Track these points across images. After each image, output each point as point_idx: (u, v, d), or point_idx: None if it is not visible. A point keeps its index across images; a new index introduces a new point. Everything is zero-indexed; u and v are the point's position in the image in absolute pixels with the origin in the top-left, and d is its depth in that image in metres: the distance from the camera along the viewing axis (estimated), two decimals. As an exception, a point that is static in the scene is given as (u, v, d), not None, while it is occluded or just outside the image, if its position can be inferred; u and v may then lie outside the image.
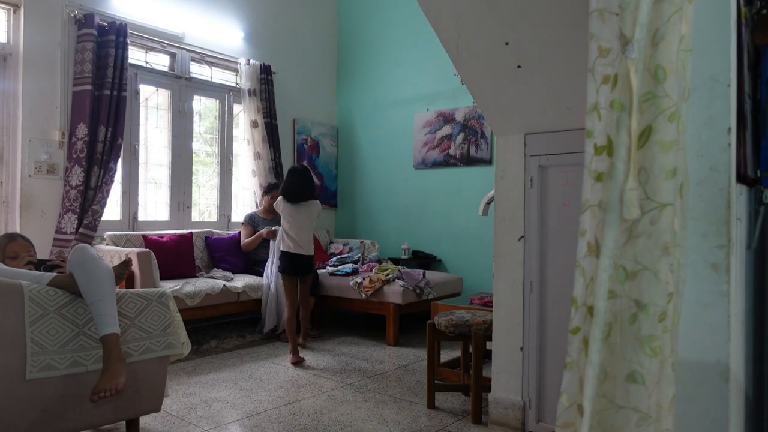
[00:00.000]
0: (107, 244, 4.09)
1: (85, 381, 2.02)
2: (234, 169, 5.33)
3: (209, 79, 5.12)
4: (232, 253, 4.71)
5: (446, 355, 3.73)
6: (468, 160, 5.25)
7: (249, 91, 5.19)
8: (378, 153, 5.96)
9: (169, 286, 3.83)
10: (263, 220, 4.79)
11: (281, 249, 3.84)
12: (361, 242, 5.50)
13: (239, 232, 4.89)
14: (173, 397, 2.93)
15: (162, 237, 4.31)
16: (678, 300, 1.19)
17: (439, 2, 2.34)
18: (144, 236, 4.25)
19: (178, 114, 4.84)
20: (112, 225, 4.35)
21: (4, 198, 3.91)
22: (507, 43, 2.26)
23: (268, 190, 4.90)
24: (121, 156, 4.28)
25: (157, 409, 2.33)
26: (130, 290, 2.28)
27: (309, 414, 2.75)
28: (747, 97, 1.61)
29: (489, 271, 4.37)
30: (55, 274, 2.13)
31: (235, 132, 5.33)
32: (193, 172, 4.98)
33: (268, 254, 4.70)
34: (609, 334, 1.16)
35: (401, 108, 5.74)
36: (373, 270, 4.62)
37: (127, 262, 2.40)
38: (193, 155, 4.99)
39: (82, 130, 4.02)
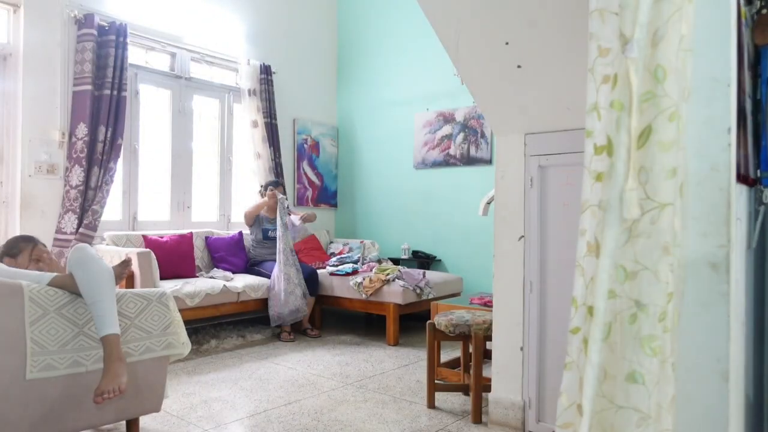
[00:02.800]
0: (107, 244, 4.09)
1: (85, 381, 2.02)
2: (234, 169, 5.33)
3: (209, 79, 5.12)
4: (232, 253, 4.71)
5: (446, 355, 3.73)
6: (468, 160, 5.25)
7: (249, 91, 5.20)
8: (378, 153, 5.96)
9: (169, 286, 3.83)
10: (267, 218, 4.80)
11: None
12: (361, 242, 5.50)
13: (239, 232, 4.90)
14: (173, 397, 2.93)
15: (162, 237, 4.31)
16: (678, 300, 1.19)
17: (439, 3, 2.34)
18: (144, 236, 4.25)
19: (178, 114, 4.84)
20: (112, 225, 4.35)
21: (4, 198, 3.91)
22: (507, 43, 2.26)
23: (266, 189, 4.94)
24: (121, 156, 4.28)
25: (157, 409, 2.33)
26: (130, 290, 2.28)
27: (309, 414, 2.75)
28: (747, 97, 1.61)
29: (489, 271, 4.37)
30: (55, 274, 2.13)
31: (235, 132, 5.33)
32: (193, 172, 4.98)
33: (268, 255, 4.71)
34: (609, 334, 1.16)
35: (401, 108, 5.74)
36: (373, 270, 4.62)
37: (126, 262, 2.41)
38: (193, 155, 4.99)
39: (82, 130, 4.02)
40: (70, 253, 2.14)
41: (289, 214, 4.64)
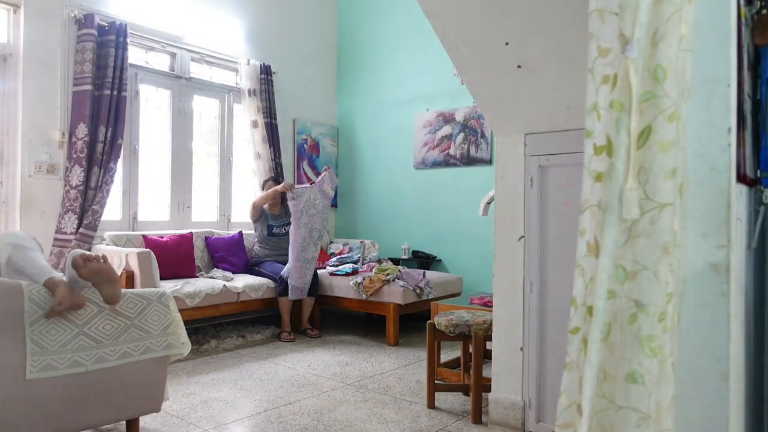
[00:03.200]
0: (107, 244, 4.09)
1: (85, 381, 2.02)
2: (234, 169, 5.33)
3: (209, 79, 5.12)
4: (232, 253, 4.71)
5: (446, 355, 3.73)
6: (468, 160, 5.25)
7: (249, 91, 5.20)
8: (378, 153, 5.96)
9: (169, 286, 3.83)
10: (271, 215, 4.79)
11: None
12: (361, 242, 5.50)
13: (240, 232, 4.90)
14: (173, 397, 2.93)
15: (162, 237, 4.31)
16: (678, 300, 1.19)
17: (440, 2, 2.34)
18: (144, 236, 4.25)
19: (178, 114, 4.84)
20: (112, 225, 4.36)
21: (4, 198, 3.91)
22: (507, 43, 2.26)
23: (263, 185, 4.96)
24: (121, 156, 4.28)
25: (157, 409, 2.33)
26: (130, 290, 2.28)
27: (309, 414, 2.75)
28: (747, 97, 1.61)
29: (489, 271, 4.37)
30: (53, 274, 2.12)
31: (235, 132, 5.33)
32: (193, 172, 4.98)
33: (271, 255, 4.71)
34: (608, 334, 1.16)
35: (401, 108, 5.74)
36: (373, 270, 4.62)
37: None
38: (193, 155, 4.99)
39: (82, 130, 4.02)
40: (69, 257, 2.13)
41: (311, 182, 4.60)
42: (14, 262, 2.07)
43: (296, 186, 4.53)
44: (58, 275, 2.08)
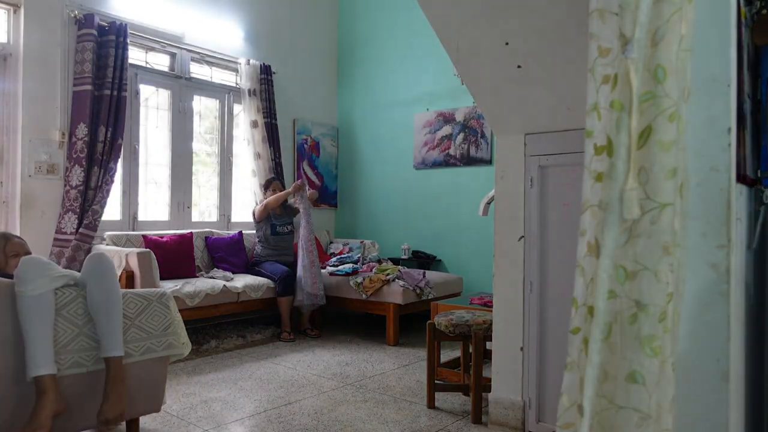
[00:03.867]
0: (107, 244, 4.09)
1: (85, 381, 2.02)
2: (234, 169, 5.33)
3: (209, 79, 5.12)
4: (232, 253, 4.71)
5: (446, 355, 3.73)
6: (468, 160, 5.25)
7: (249, 91, 5.20)
8: (378, 153, 5.96)
9: (169, 286, 3.83)
10: (274, 213, 4.78)
11: None
12: (361, 242, 5.50)
13: (239, 232, 4.90)
14: (173, 397, 2.93)
15: (162, 237, 4.31)
16: (678, 300, 1.19)
17: (440, 2, 2.34)
18: (144, 236, 4.25)
19: (178, 114, 4.84)
20: (112, 225, 4.35)
21: (4, 198, 3.91)
22: (507, 43, 2.26)
23: (268, 185, 4.94)
24: (121, 156, 4.28)
25: (157, 409, 2.33)
26: (131, 290, 2.28)
27: (309, 414, 2.75)
28: (747, 97, 1.61)
29: (489, 271, 4.37)
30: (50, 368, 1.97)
31: (235, 132, 5.33)
32: (193, 172, 4.98)
33: (272, 255, 4.70)
34: (609, 334, 1.16)
35: (401, 108, 5.74)
36: (373, 270, 4.62)
37: None
38: (193, 155, 4.99)
39: (82, 130, 4.02)
40: (89, 260, 2.12)
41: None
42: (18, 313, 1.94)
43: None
44: (49, 373, 1.90)
